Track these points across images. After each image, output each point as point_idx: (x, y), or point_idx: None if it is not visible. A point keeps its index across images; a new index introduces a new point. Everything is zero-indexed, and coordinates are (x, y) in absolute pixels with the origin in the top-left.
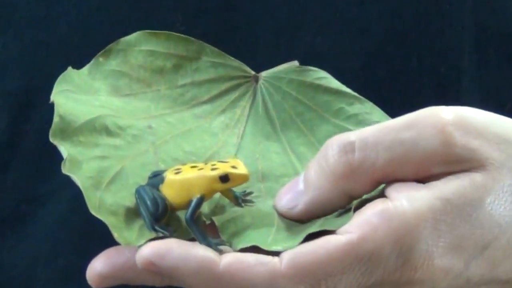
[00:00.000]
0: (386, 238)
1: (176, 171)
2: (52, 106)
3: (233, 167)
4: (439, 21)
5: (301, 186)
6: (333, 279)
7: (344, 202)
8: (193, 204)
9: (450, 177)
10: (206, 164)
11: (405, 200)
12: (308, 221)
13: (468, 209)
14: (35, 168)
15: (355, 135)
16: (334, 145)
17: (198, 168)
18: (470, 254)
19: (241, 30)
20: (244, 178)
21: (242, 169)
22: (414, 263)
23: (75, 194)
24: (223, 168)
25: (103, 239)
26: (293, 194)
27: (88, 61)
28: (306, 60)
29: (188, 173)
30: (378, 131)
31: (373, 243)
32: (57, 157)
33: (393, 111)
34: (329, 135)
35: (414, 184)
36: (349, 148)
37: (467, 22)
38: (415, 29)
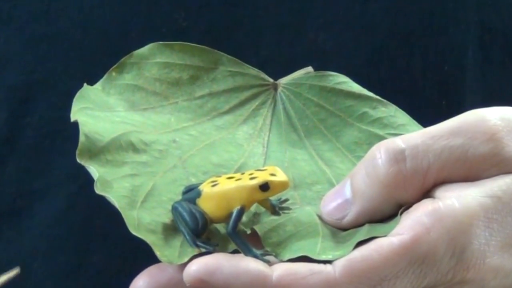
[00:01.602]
0: (440, 239)
1: (213, 183)
2: (52, 101)
3: (272, 174)
4: (443, 20)
5: (348, 194)
6: (388, 284)
7: (394, 210)
8: (234, 216)
9: (499, 175)
10: (242, 174)
11: (455, 199)
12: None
13: None
14: (33, 163)
15: (403, 142)
16: (382, 153)
17: (236, 178)
18: None
19: (244, 26)
20: (284, 185)
21: (282, 176)
22: (467, 263)
23: (74, 190)
24: (262, 177)
25: (101, 236)
26: (341, 203)
27: (89, 57)
28: (309, 57)
29: (226, 185)
30: (427, 138)
31: (427, 244)
32: (56, 152)
33: None
34: (355, 140)
35: (462, 183)
36: (400, 157)
37: (471, 21)
38: (419, 27)
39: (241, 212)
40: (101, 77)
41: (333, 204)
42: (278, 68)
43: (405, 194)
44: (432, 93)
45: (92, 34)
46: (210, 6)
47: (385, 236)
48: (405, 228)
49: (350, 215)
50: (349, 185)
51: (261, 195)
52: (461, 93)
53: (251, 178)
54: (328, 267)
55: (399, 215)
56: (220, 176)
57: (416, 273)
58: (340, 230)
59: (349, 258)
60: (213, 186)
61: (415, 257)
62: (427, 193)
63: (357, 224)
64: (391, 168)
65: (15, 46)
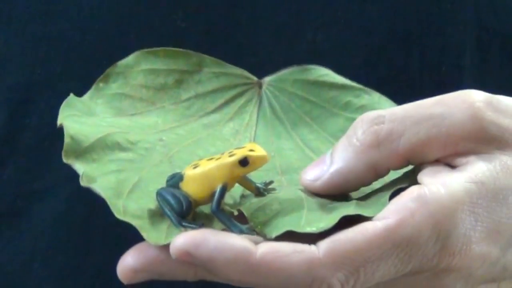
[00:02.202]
0: (424, 223)
1: (194, 166)
2: (52, 102)
3: (251, 150)
4: (441, 20)
5: (327, 160)
6: (372, 266)
7: (369, 176)
8: (217, 194)
9: (481, 160)
10: (222, 154)
11: (441, 184)
12: (336, 200)
13: (504, 193)
14: (32, 163)
15: (385, 110)
16: (364, 119)
17: (216, 158)
18: (507, 240)
19: (243, 27)
20: (263, 159)
21: (260, 151)
22: (452, 248)
23: (74, 191)
24: (241, 152)
25: (100, 236)
26: (319, 168)
27: (88, 57)
28: (308, 57)
29: (207, 165)
30: (408, 107)
31: (411, 228)
32: (56, 153)
33: None
34: (341, 128)
35: (446, 169)
36: (378, 120)
37: (469, 21)
38: (416, 28)
39: (223, 189)
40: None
41: (313, 170)
42: (276, 68)
43: (378, 154)
44: (430, 94)
45: (91, 35)
46: (208, 7)
47: (371, 216)
48: (390, 212)
49: (325, 176)
50: (329, 153)
51: (241, 171)
52: None
53: (230, 155)
54: (312, 247)
55: (387, 199)
56: (201, 160)
57: (400, 256)
58: (326, 202)
59: (333, 239)
60: (194, 168)
61: (399, 240)
62: (407, 161)
63: (332, 187)
64: (368, 129)
65: (14, 47)
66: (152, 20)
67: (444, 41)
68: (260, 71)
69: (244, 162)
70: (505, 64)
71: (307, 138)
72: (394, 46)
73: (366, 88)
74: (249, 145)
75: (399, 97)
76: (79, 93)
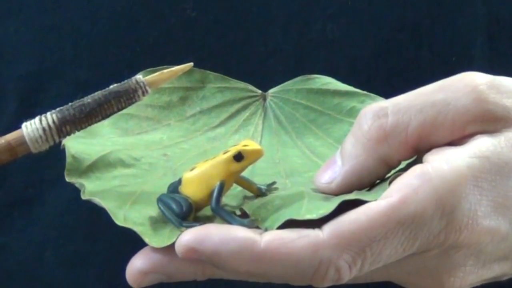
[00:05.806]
0: (428, 199)
1: (191, 169)
2: (62, 91)
3: (245, 145)
4: (451, 11)
5: (338, 161)
6: (378, 245)
7: (381, 170)
8: (215, 191)
9: (485, 137)
10: (217, 154)
11: (444, 160)
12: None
13: (509, 167)
14: (43, 152)
15: (387, 101)
16: (367, 113)
17: (211, 159)
18: None
19: (253, 16)
20: (258, 153)
21: (254, 145)
22: (458, 223)
23: None
24: (235, 148)
25: (109, 224)
26: (331, 170)
27: (98, 46)
28: (317, 47)
29: (203, 166)
30: (410, 95)
31: (414, 204)
32: None
33: None
34: (346, 134)
35: (450, 147)
36: (382, 113)
37: (479, 12)
38: (427, 18)
39: (221, 186)
40: (109, 66)
41: (325, 172)
42: (286, 58)
43: (389, 149)
44: None
45: (101, 23)
46: None
47: (374, 200)
48: (393, 191)
49: (338, 177)
50: (339, 152)
51: (237, 166)
52: None
53: (225, 153)
54: (316, 230)
55: (387, 184)
56: (197, 163)
57: (406, 234)
58: (328, 195)
59: (336, 221)
60: (191, 170)
61: (403, 218)
62: (416, 150)
63: (347, 187)
64: (373, 124)
65: (24, 36)
66: (162, 9)
67: (454, 32)
68: (269, 61)
69: (238, 157)
70: None
71: (313, 145)
72: (404, 37)
73: (370, 94)
74: (243, 142)
75: (409, 88)
76: (88, 82)
